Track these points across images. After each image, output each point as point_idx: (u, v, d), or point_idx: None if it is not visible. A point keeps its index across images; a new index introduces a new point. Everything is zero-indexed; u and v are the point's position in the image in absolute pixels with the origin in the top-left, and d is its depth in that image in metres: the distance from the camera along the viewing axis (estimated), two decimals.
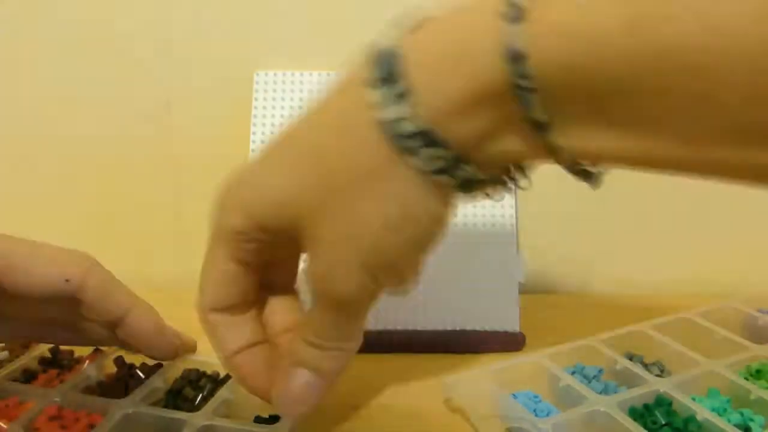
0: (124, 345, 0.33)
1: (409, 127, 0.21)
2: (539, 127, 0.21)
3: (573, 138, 0.21)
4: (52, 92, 0.47)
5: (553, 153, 0.22)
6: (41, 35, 0.46)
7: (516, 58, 0.20)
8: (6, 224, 0.30)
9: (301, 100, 0.43)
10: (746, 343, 0.35)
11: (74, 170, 0.49)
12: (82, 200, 0.49)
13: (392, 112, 0.22)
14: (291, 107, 0.43)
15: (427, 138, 0.22)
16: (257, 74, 0.44)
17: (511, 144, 0.22)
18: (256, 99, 0.43)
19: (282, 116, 0.43)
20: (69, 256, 0.30)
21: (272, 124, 0.43)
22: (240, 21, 0.45)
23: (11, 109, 0.48)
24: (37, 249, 0.29)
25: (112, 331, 0.31)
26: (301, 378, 0.26)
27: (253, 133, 0.43)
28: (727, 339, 0.35)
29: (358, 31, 0.39)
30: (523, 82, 0.20)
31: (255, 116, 0.43)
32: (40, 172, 0.49)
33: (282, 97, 0.43)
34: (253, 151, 0.42)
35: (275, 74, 0.44)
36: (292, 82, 0.43)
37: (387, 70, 0.22)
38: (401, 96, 0.21)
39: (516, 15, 0.20)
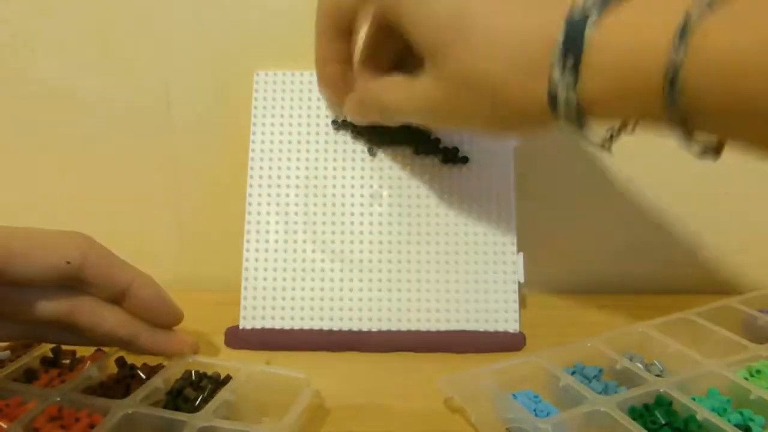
0: (125, 345, 0.33)
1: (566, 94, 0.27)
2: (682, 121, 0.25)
3: (709, 125, 0.25)
4: (51, 91, 0.47)
5: (684, 127, 0.25)
6: (41, 34, 0.46)
7: (673, 82, 0.24)
8: (5, 224, 0.30)
9: (301, 100, 0.43)
10: (746, 343, 0.35)
11: (74, 169, 0.49)
12: (81, 200, 0.49)
13: (560, 77, 0.27)
14: (291, 107, 0.43)
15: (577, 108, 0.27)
16: (257, 74, 0.44)
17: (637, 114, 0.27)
18: (256, 99, 0.43)
19: (282, 116, 0.43)
20: (66, 238, 0.30)
21: (272, 124, 0.43)
22: (240, 21, 0.45)
23: (10, 108, 0.47)
24: (34, 234, 0.30)
25: (119, 304, 0.32)
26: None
27: (253, 133, 0.43)
28: (727, 339, 0.35)
29: None
30: (676, 103, 0.24)
31: (255, 116, 0.43)
32: (39, 172, 0.49)
33: (282, 97, 0.43)
34: (253, 151, 0.43)
35: (275, 74, 0.44)
36: (292, 82, 0.43)
37: (573, 44, 0.26)
38: (574, 68, 0.26)
39: (680, 46, 0.23)
